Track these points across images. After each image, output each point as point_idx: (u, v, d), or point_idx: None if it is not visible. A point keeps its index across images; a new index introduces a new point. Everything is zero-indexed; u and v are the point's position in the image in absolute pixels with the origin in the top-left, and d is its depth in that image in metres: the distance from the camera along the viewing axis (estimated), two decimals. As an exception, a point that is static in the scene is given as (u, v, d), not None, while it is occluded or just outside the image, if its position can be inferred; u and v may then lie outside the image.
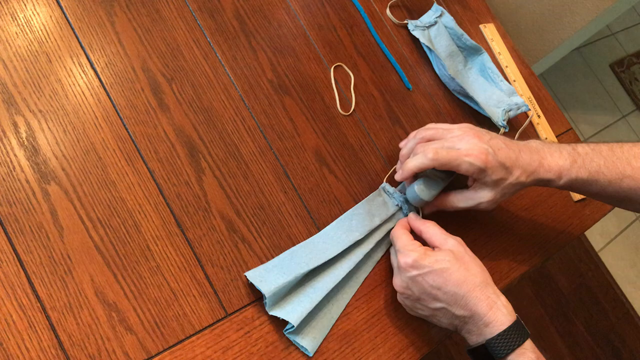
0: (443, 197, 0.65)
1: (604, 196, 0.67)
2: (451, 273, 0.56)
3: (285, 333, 0.56)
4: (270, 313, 0.55)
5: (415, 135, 0.66)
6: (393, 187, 0.68)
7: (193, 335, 0.52)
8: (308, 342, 0.56)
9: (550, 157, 0.64)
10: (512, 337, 0.54)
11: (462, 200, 0.64)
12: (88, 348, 0.47)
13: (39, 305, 0.47)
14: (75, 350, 0.47)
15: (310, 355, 0.56)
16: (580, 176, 0.64)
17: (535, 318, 1.74)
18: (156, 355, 0.50)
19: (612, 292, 1.91)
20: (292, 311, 0.55)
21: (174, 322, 0.52)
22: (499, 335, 0.54)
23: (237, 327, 0.54)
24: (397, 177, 0.64)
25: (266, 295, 0.54)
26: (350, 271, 0.61)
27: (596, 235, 2.03)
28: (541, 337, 1.72)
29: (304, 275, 0.57)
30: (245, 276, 0.56)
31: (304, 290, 0.57)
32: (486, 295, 0.56)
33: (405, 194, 0.66)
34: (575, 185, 0.65)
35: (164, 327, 0.51)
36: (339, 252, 0.60)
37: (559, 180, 0.64)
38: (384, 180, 0.70)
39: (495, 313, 0.55)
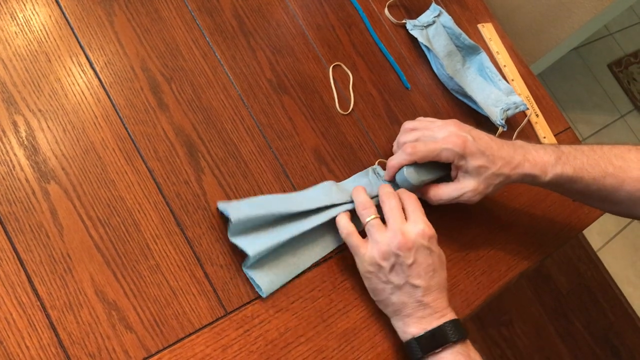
0: (427, 189, 0.65)
1: (587, 194, 0.68)
2: (442, 270, 0.59)
3: (243, 268, 0.56)
4: (231, 240, 0.55)
5: (402, 127, 0.68)
6: (384, 171, 0.68)
7: (192, 333, 0.52)
8: (264, 281, 0.56)
9: (535, 152, 0.65)
10: (459, 328, 0.58)
11: (446, 191, 0.64)
12: (88, 346, 0.48)
13: (38, 303, 0.47)
14: (75, 348, 0.47)
15: (264, 296, 0.56)
16: (565, 172, 0.65)
17: (535, 317, 1.74)
18: (156, 353, 0.50)
19: (611, 291, 1.91)
20: (251, 243, 0.55)
21: (173, 321, 0.52)
22: (455, 320, 0.58)
23: (237, 325, 0.54)
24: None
25: (232, 220, 0.54)
26: (321, 229, 0.61)
27: (595, 235, 2.04)
28: (540, 337, 1.72)
29: (273, 217, 0.58)
30: (217, 206, 0.57)
31: (269, 229, 0.57)
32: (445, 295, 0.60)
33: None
34: (560, 182, 0.66)
35: (164, 326, 0.51)
36: (314, 207, 0.60)
37: (544, 176, 0.65)
38: (376, 163, 0.70)
39: (449, 309, 0.59)
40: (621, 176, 0.65)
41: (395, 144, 0.69)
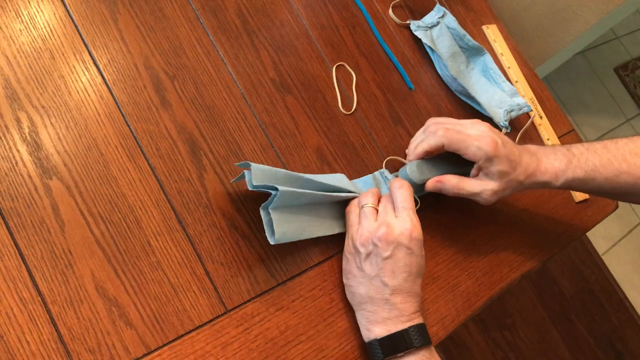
0: (447, 179, 0.64)
1: (601, 192, 0.68)
2: (418, 277, 0.58)
3: (261, 209, 0.56)
4: (255, 184, 0.54)
5: (427, 123, 0.68)
6: (392, 174, 0.69)
7: (193, 330, 0.52)
8: (280, 229, 0.55)
9: (546, 159, 0.65)
10: (425, 334, 0.56)
11: (469, 184, 0.63)
12: (88, 342, 0.48)
13: (39, 299, 0.47)
14: (75, 344, 0.47)
15: (273, 242, 0.55)
16: (576, 176, 0.65)
17: (538, 321, 1.74)
18: (156, 350, 0.50)
19: (615, 295, 1.90)
20: (277, 184, 0.55)
21: (173, 318, 0.52)
22: (421, 325, 0.56)
23: (237, 323, 0.54)
24: (409, 157, 0.66)
25: (252, 166, 0.54)
26: (334, 208, 0.62)
27: (599, 239, 2.03)
28: (543, 340, 1.72)
29: (291, 177, 0.57)
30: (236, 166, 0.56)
31: (289, 185, 0.57)
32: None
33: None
34: (572, 184, 0.66)
35: (164, 322, 0.51)
36: (332, 184, 0.60)
37: (556, 182, 0.65)
38: (383, 165, 0.71)
39: (418, 314, 0.58)
40: (635, 173, 0.65)
41: (414, 141, 0.67)
